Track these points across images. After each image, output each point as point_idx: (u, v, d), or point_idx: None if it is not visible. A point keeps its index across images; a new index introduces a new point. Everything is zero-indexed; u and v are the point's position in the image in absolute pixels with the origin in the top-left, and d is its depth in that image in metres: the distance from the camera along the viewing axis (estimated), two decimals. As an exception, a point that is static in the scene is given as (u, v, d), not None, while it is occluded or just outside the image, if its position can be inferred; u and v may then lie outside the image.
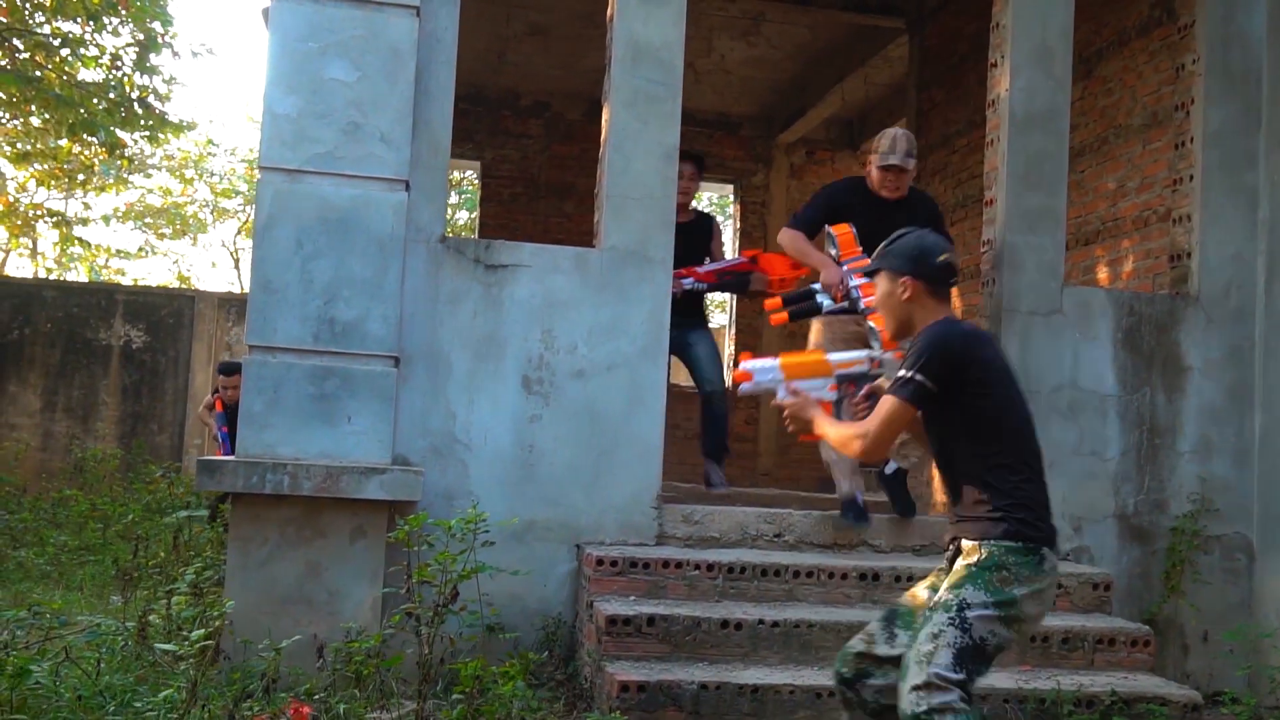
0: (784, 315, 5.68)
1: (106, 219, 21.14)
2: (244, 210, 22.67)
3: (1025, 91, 5.97)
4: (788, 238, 5.84)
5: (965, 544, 3.31)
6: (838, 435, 3.46)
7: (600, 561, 5.12)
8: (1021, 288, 5.91)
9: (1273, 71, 6.16)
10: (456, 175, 19.55)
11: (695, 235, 6.67)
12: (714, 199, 25.31)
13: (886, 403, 3.32)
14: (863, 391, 3.61)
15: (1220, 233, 6.13)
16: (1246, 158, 6.17)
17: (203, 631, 3.44)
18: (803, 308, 5.64)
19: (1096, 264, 7.69)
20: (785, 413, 3.59)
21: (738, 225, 12.46)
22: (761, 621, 4.83)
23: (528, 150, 12.03)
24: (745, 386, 3.70)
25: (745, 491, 9.31)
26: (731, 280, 6.78)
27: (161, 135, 13.17)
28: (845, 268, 5.45)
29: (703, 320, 6.90)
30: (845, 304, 5.49)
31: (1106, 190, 7.65)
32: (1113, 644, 5.05)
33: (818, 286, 5.59)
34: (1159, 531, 5.94)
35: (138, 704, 3.75)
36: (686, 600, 5.10)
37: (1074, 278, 7.78)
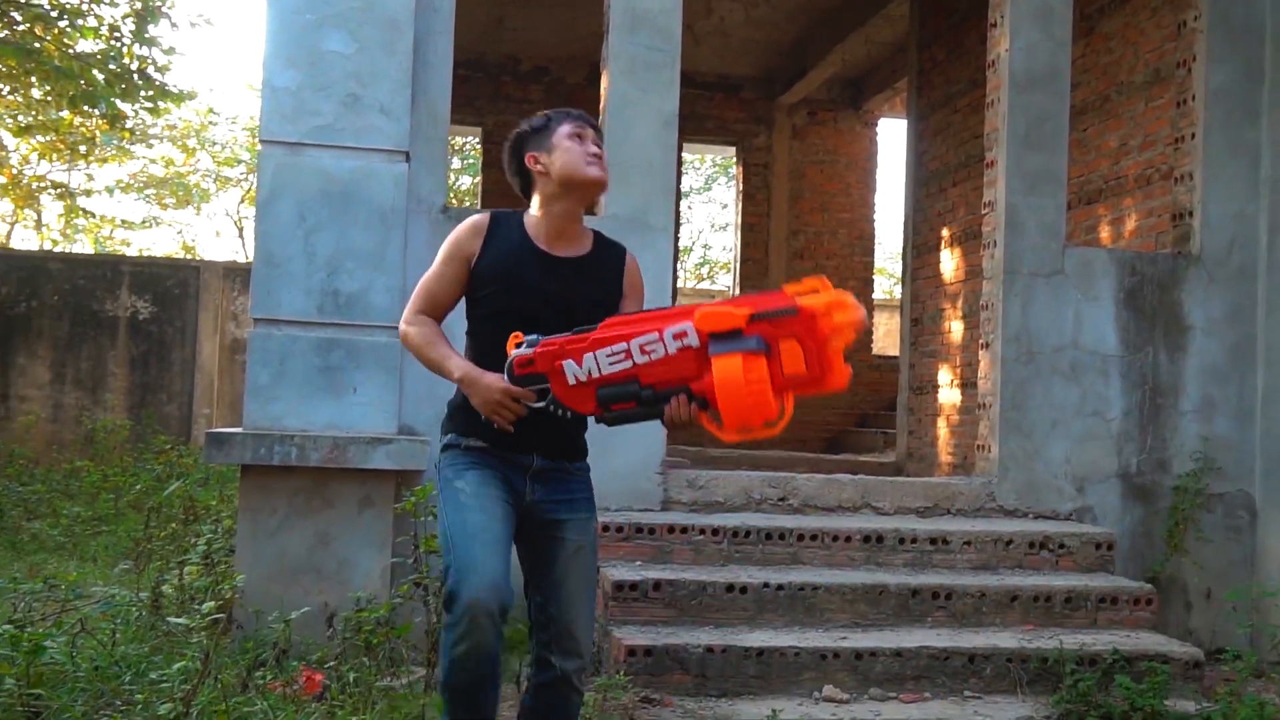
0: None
1: (110, 190, 21.14)
2: (246, 179, 22.62)
3: (1025, 51, 5.95)
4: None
5: None
6: None
7: (606, 528, 5.17)
8: (1023, 249, 5.91)
9: (1275, 27, 6.13)
10: (458, 141, 19.51)
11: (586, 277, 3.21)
12: (716, 161, 25.25)
13: None
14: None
15: (1222, 191, 6.12)
16: (1249, 115, 6.15)
17: (213, 605, 3.50)
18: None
19: (1099, 223, 7.69)
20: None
21: (740, 188, 12.44)
22: (766, 585, 4.89)
23: (529, 115, 11.97)
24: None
25: (751, 454, 9.37)
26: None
27: (162, 105, 13.14)
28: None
29: (584, 483, 3.20)
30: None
31: (1109, 148, 7.62)
32: (1115, 603, 5.10)
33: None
34: (1161, 490, 5.97)
35: (152, 675, 3.81)
36: (692, 565, 5.15)
37: (1076, 237, 7.78)
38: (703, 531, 5.22)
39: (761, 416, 2.67)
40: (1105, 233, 7.60)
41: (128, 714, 3.63)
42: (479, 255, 3.08)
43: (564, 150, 3.12)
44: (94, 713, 3.67)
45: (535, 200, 3.17)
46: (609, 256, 3.21)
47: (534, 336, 2.85)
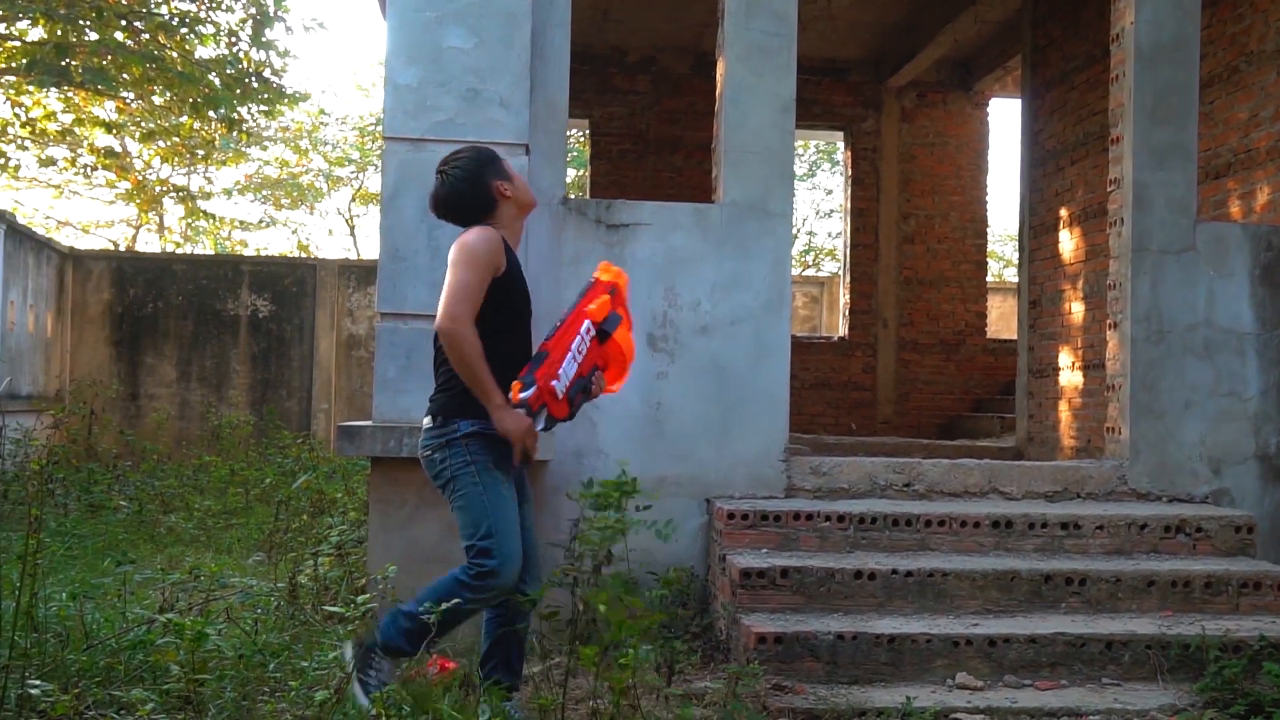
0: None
1: (228, 192, 21.75)
2: (357, 178, 23.09)
3: (1152, 23, 5.79)
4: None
5: None
6: None
7: (731, 515, 5.17)
8: (1152, 226, 5.76)
9: None
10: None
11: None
12: (820, 147, 25.03)
13: None
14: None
15: (1363, 160, 5.89)
16: (1390, 80, 5.90)
17: (367, 596, 3.59)
18: None
19: (1228, 197, 7.45)
20: None
21: (848, 173, 12.31)
22: (895, 571, 4.84)
23: (636, 106, 12.02)
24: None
25: (867, 441, 9.30)
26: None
27: (278, 108, 13.47)
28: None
29: None
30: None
31: (1238, 121, 7.38)
32: (1259, 588, 4.94)
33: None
34: (1303, 472, 5.78)
35: (304, 663, 3.91)
36: (818, 552, 5.13)
37: (1204, 212, 7.55)
38: (828, 518, 5.19)
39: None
40: (1235, 207, 7.36)
41: (278, 700, 3.73)
42: (504, 269, 3.73)
43: (517, 178, 3.90)
44: (243, 700, 3.79)
45: (495, 220, 3.83)
46: None
47: (526, 377, 3.59)
